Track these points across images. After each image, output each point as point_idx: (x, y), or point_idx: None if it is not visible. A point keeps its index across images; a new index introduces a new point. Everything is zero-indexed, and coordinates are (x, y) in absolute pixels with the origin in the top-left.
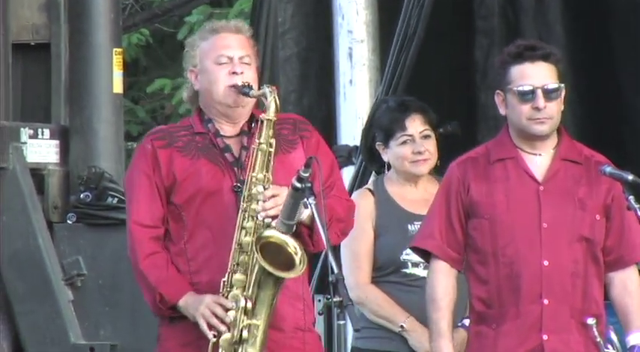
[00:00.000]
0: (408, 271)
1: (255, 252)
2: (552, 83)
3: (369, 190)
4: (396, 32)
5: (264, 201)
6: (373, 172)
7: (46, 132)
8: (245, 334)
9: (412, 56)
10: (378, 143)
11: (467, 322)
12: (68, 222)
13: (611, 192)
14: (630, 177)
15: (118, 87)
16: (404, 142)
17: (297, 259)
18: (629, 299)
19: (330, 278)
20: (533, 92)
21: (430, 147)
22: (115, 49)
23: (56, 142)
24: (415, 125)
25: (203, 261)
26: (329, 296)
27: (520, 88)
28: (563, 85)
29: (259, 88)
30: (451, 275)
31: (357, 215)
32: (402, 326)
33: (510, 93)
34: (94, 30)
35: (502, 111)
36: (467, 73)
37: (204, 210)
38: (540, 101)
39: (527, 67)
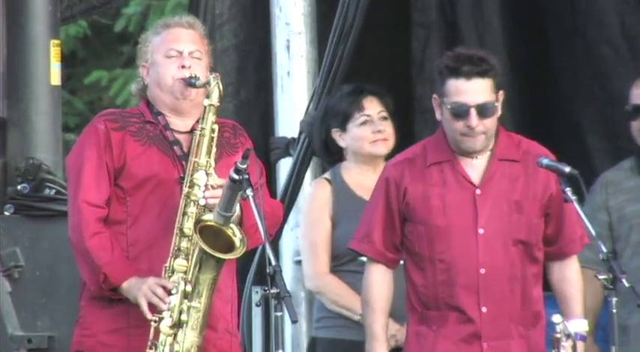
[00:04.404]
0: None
1: (195, 234)
2: (486, 100)
3: (327, 179)
4: (334, 24)
5: (206, 189)
6: (311, 163)
7: None
8: (184, 317)
9: (350, 48)
10: (334, 129)
11: None
12: (6, 213)
13: (549, 188)
14: (567, 169)
15: (55, 79)
16: (363, 123)
17: (236, 241)
18: (568, 287)
19: (268, 270)
20: (466, 111)
21: (388, 129)
22: (52, 41)
23: None
24: (373, 106)
25: (144, 248)
26: (266, 288)
27: (454, 106)
28: (497, 102)
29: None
30: (388, 276)
31: (313, 204)
32: (361, 315)
33: (445, 107)
34: (31, 22)
35: (438, 115)
36: (404, 66)
37: (152, 198)
38: (473, 120)
39: (462, 84)
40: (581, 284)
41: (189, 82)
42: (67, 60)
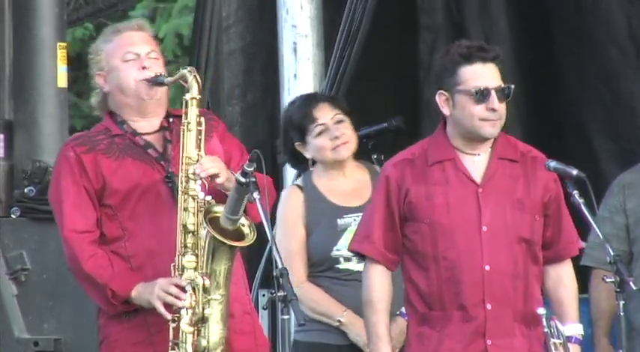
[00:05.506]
0: (341, 267)
1: (205, 224)
2: (504, 84)
3: (298, 186)
4: (341, 27)
5: (201, 164)
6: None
7: None
8: (207, 311)
9: (356, 51)
10: (297, 143)
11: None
12: (12, 216)
13: (548, 190)
14: (574, 171)
15: (62, 81)
16: (319, 133)
17: (245, 229)
18: (563, 290)
19: (275, 273)
20: (487, 94)
21: (346, 131)
22: (59, 44)
23: (0, 136)
24: (325, 113)
25: (146, 256)
26: (273, 291)
27: (475, 89)
28: (513, 85)
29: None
30: (388, 276)
31: (287, 212)
32: (339, 321)
33: (462, 94)
34: (38, 24)
35: (446, 111)
36: (411, 69)
37: (141, 207)
38: (495, 102)
39: (480, 68)
40: (576, 288)
41: (157, 81)
42: (73, 62)
